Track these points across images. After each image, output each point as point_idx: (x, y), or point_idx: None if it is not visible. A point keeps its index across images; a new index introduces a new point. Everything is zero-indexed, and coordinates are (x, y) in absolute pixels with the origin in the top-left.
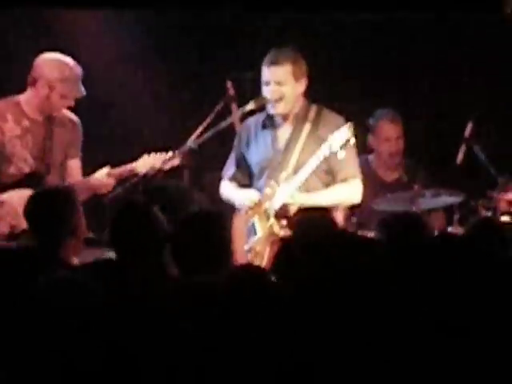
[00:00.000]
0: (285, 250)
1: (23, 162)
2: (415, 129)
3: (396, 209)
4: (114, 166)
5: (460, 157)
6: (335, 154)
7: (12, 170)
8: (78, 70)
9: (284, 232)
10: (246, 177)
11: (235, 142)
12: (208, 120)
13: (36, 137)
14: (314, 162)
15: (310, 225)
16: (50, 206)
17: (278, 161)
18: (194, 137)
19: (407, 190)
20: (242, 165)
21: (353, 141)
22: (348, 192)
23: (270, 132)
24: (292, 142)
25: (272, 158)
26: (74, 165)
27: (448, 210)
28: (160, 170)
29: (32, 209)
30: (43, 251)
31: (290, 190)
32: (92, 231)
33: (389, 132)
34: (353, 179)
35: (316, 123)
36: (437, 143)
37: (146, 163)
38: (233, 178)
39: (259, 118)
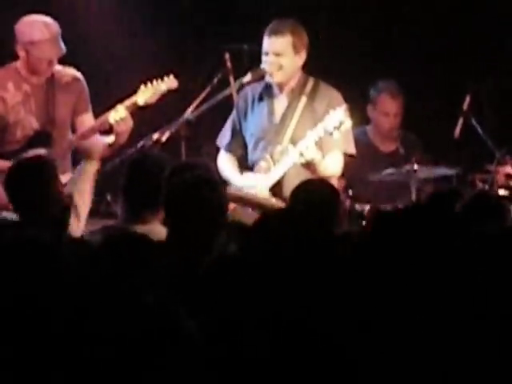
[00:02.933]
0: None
1: (29, 127)
2: (412, 102)
3: (392, 181)
4: None
5: (458, 130)
6: (330, 134)
7: (19, 136)
8: (52, 29)
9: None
10: (242, 147)
11: (233, 111)
12: (205, 92)
13: (38, 100)
14: (311, 139)
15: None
16: (28, 176)
17: (273, 133)
18: (191, 109)
19: (404, 162)
20: (238, 134)
21: (348, 124)
22: (327, 163)
23: (267, 103)
24: (288, 116)
25: (267, 129)
26: (84, 119)
27: (445, 183)
28: (158, 141)
29: (10, 182)
30: (28, 223)
31: (298, 150)
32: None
33: (388, 107)
34: (335, 151)
35: (312, 97)
36: (434, 116)
37: (146, 93)
38: (229, 149)
39: (257, 88)
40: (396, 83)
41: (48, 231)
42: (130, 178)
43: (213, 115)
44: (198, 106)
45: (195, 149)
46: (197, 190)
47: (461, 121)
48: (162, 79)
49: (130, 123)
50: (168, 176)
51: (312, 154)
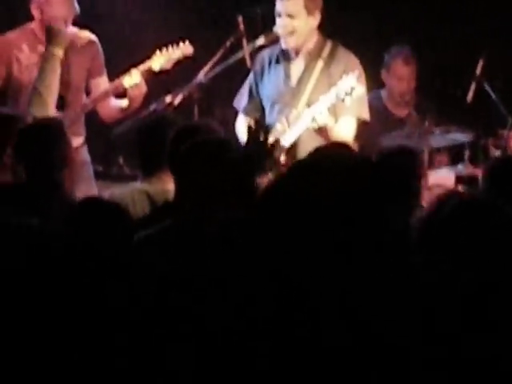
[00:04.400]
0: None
1: None
2: (426, 66)
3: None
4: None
5: (470, 95)
6: (342, 100)
7: None
8: None
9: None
10: (259, 110)
11: (250, 74)
12: (218, 55)
13: None
14: (323, 104)
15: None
16: (38, 139)
17: (289, 97)
18: (204, 72)
19: (417, 126)
20: (255, 97)
21: (359, 90)
22: (339, 128)
23: (283, 66)
24: (304, 79)
25: (283, 93)
26: (99, 83)
27: (458, 148)
28: (171, 104)
29: (20, 144)
30: (35, 186)
31: (310, 114)
32: (100, 164)
33: (401, 72)
34: (347, 116)
35: (329, 61)
36: (447, 81)
37: (161, 59)
38: (246, 112)
39: (274, 50)
40: (410, 48)
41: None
42: (146, 139)
43: (226, 78)
44: (210, 69)
45: (208, 112)
46: (205, 151)
47: (473, 86)
48: (178, 45)
49: (143, 89)
50: (173, 138)
51: (324, 119)
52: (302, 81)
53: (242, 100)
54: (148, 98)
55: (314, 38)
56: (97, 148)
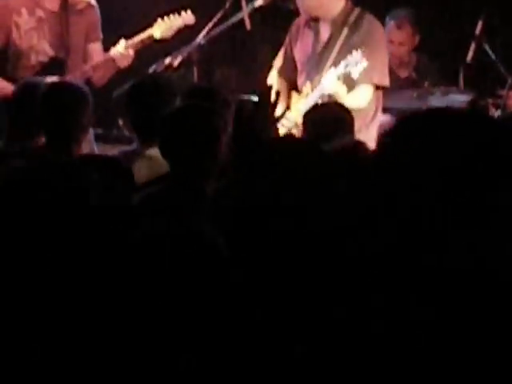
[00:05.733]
0: None
1: (43, 53)
2: (425, 26)
3: (404, 106)
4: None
5: (470, 55)
6: (349, 73)
7: (33, 61)
8: None
9: None
10: (292, 71)
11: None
12: (217, 16)
13: (52, 27)
14: (333, 73)
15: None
16: (64, 101)
17: (315, 62)
18: (203, 33)
19: (417, 87)
20: (289, 59)
21: (364, 64)
22: (352, 96)
23: (313, 32)
24: (329, 46)
25: (311, 58)
26: (95, 48)
27: (458, 108)
28: (170, 66)
29: (44, 105)
30: (53, 150)
31: (334, 75)
32: (99, 127)
33: (392, 35)
34: (360, 85)
35: (354, 28)
36: (447, 41)
37: (162, 27)
38: (279, 73)
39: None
40: (410, 12)
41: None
42: (134, 101)
43: (225, 40)
44: (210, 31)
45: (207, 73)
46: (185, 118)
47: (473, 46)
48: (180, 14)
49: (131, 60)
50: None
51: (334, 87)
52: (326, 47)
53: (278, 60)
54: (148, 60)
55: (340, 5)
56: (95, 110)
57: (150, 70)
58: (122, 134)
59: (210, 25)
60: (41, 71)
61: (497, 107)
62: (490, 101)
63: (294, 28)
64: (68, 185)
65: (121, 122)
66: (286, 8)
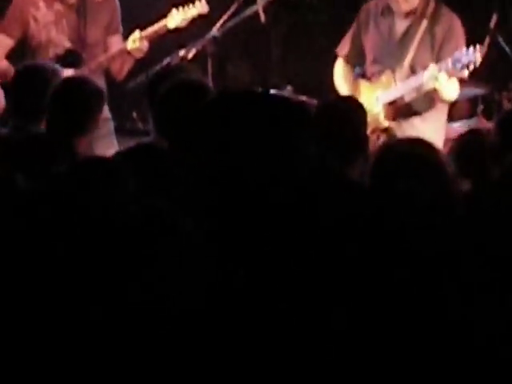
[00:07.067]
0: None
1: (61, 46)
2: None
3: None
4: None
5: (484, 48)
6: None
7: (51, 55)
8: None
9: (388, 123)
10: (360, 57)
11: (354, 22)
12: (232, 9)
13: (70, 20)
14: (445, 65)
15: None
16: (80, 94)
17: (392, 52)
18: (218, 25)
19: None
20: (357, 45)
21: (477, 64)
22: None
23: (388, 20)
24: (408, 37)
25: (387, 47)
26: (115, 40)
27: (472, 101)
28: (184, 58)
29: (59, 94)
30: (57, 141)
31: (432, 73)
32: (114, 119)
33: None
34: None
35: (433, 20)
36: None
37: (176, 17)
38: (346, 59)
39: (379, 3)
40: None
41: None
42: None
43: (239, 32)
44: (224, 24)
45: (221, 66)
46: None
47: (488, 40)
48: (194, 4)
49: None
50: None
51: (442, 82)
52: (405, 39)
53: (344, 48)
54: (162, 53)
55: None
56: (110, 102)
57: (165, 62)
58: (136, 127)
59: (225, 17)
60: (57, 64)
61: (511, 101)
62: (505, 94)
63: (362, 14)
64: None
65: (135, 115)
66: (300, 1)
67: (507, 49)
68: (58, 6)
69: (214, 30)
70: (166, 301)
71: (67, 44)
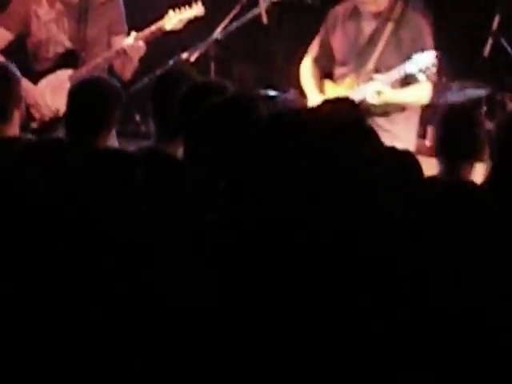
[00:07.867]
0: None
1: (61, 45)
2: (442, 21)
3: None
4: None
5: (487, 50)
6: (414, 76)
7: (51, 53)
8: None
9: None
10: (329, 59)
11: (323, 26)
12: (235, 11)
13: (71, 19)
14: (394, 75)
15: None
16: (97, 97)
17: (358, 54)
18: (220, 28)
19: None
20: (326, 47)
21: (434, 70)
22: (417, 94)
23: (355, 23)
24: (374, 40)
25: (353, 50)
26: (119, 41)
27: (475, 103)
28: (187, 61)
29: (77, 97)
30: (75, 144)
31: (375, 88)
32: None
33: None
34: (422, 84)
35: (399, 23)
36: (464, 36)
37: (173, 19)
38: (315, 60)
39: (348, 6)
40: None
41: None
42: (158, 96)
43: (242, 35)
44: (227, 26)
45: (225, 69)
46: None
47: (490, 40)
48: (190, 6)
49: (141, 51)
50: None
51: (386, 97)
52: (371, 41)
53: (313, 48)
54: (165, 56)
55: None
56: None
57: (167, 66)
58: (138, 130)
59: (227, 20)
60: (57, 64)
61: None
62: (508, 95)
63: (331, 17)
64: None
65: (138, 118)
66: (303, 3)
67: (510, 50)
68: (59, 6)
69: (217, 33)
70: (166, 301)
71: (67, 43)
